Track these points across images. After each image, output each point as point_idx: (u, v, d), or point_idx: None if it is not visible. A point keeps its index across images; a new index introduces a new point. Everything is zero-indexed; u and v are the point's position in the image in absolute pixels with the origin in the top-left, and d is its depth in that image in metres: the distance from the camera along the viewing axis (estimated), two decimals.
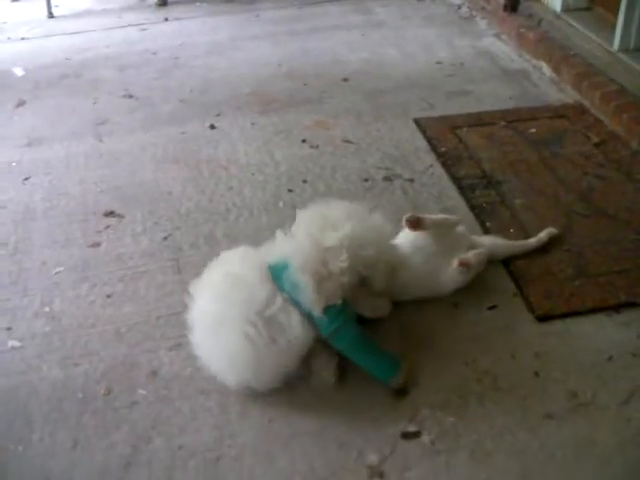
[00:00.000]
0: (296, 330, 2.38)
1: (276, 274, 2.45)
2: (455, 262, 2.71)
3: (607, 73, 4.31)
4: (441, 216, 2.97)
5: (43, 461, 2.31)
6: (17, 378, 2.61)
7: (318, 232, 2.48)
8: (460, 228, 2.92)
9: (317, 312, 2.37)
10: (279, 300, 2.39)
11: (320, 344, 2.48)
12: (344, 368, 2.54)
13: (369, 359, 2.48)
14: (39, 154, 4.12)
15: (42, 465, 2.30)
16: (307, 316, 2.40)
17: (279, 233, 2.60)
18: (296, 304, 2.40)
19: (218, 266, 2.58)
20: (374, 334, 2.56)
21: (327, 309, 2.38)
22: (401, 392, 2.47)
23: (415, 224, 2.72)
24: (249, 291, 2.41)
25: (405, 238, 2.81)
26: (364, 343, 2.48)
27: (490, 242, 3.00)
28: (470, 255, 2.76)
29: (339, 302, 2.40)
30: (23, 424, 2.44)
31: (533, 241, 3.04)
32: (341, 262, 2.40)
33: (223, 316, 2.41)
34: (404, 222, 2.72)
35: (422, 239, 2.77)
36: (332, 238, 2.44)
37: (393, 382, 2.46)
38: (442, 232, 2.80)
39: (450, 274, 2.74)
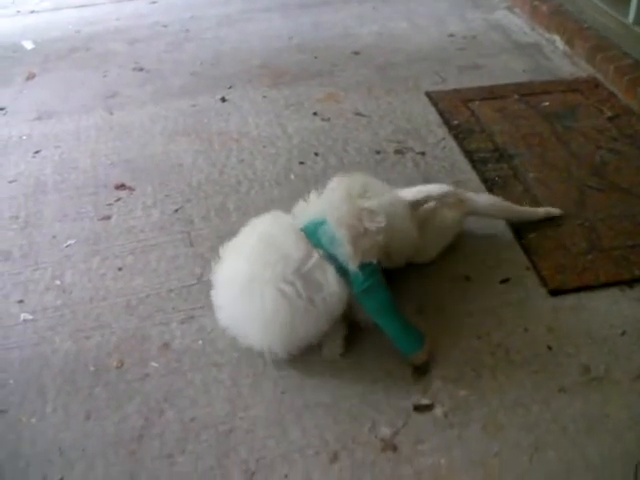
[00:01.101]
0: (332, 287, 2.36)
1: (311, 232, 2.44)
2: None
3: (621, 46, 4.27)
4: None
5: (56, 433, 2.32)
6: (30, 350, 2.62)
7: (356, 194, 2.49)
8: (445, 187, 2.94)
9: (353, 267, 2.36)
10: (315, 257, 2.38)
11: None
12: (357, 341, 2.54)
13: (396, 327, 2.47)
14: (49, 127, 4.11)
15: (55, 437, 2.30)
16: (342, 273, 2.38)
17: (313, 194, 2.60)
18: (332, 260, 2.38)
19: (250, 229, 2.56)
20: None
21: (362, 266, 2.37)
22: (421, 370, 2.45)
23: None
24: (283, 250, 2.38)
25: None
26: (393, 309, 2.47)
27: (485, 201, 3.00)
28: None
29: (374, 261, 2.40)
30: (36, 396, 2.44)
31: (540, 210, 3.05)
32: (378, 222, 2.41)
33: (257, 276, 2.37)
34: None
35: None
36: (371, 201, 2.45)
37: (415, 357, 2.45)
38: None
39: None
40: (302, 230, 2.46)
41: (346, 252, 2.36)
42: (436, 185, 2.97)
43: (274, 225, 2.52)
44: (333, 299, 2.37)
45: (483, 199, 3.00)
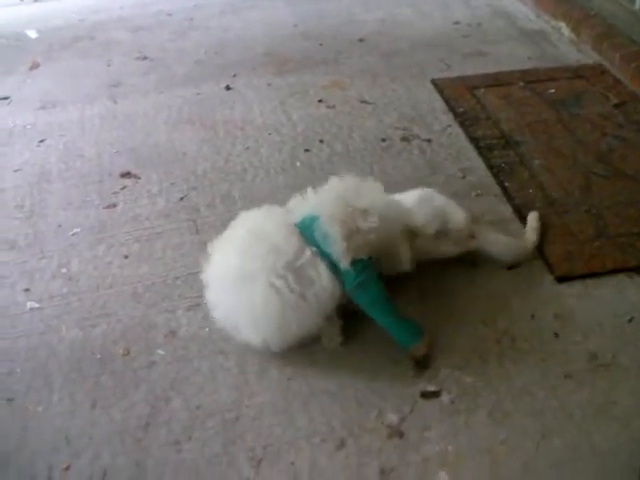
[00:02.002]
0: (324, 282, 2.35)
1: (305, 227, 2.42)
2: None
3: (628, 34, 4.26)
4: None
5: (63, 421, 2.32)
6: (36, 339, 2.62)
7: (351, 195, 2.47)
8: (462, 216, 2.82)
9: (344, 264, 2.35)
10: (308, 253, 2.36)
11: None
12: (363, 328, 2.53)
13: (391, 321, 2.45)
14: (53, 116, 4.12)
15: (62, 425, 2.30)
16: (334, 270, 2.37)
17: (310, 190, 2.58)
18: (324, 256, 2.37)
19: (240, 223, 2.54)
20: (394, 293, 2.54)
21: (354, 262, 2.35)
22: (421, 363, 2.44)
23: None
24: (275, 244, 2.37)
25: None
26: (387, 303, 2.45)
27: (496, 244, 2.82)
28: None
29: (366, 257, 2.38)
30: (43, 384, 2.44)
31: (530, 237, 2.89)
32: (371, 222, 2.39)
33: (247, 270, 2.37)
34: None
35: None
36: (364, 201, 2.43)
37: (415, 350, 2.43)
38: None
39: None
40: (296, 225, 2.44)
41: (338, 249, 2.35)
42: (457, 210, 2.80)
43: (265, 219, 2.50)
44: (325, 295, 2.37)
45: (494, 241, 2.81)
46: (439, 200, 2.78)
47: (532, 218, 2.95)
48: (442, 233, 2.71)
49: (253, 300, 2.34)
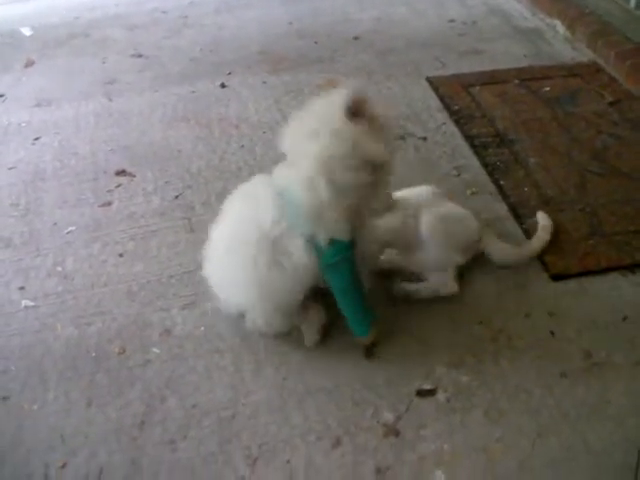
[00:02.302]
0: (300, 257, 2.32)
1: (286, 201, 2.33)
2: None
3: (623, 31, 4.27)
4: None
5: (58, 419, 2.31)
6: (31, 337, 2.62)
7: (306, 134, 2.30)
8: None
9: (323, 242, 2.30)
10: (283, 224, 2.31)
11: (306, 301, 2.49)
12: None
13: (353, 310, 2.45)
14: (48, 114, 4.11)
15: (57, 423, 2.30)
16: (311, 244, 2.32)
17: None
18: (295, 230, 2.32)
19: (238, 192, 2.54)
20: (388, 290, 2.55)
21: (333, 241, 2.30)
22: (369, 352, 2.47)
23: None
24: (257, 216, 2.34)
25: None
26: (356, 289, 2.43)
27: (497, 250, 2.82)
28: None
29: (346, 239, 2.32)
30: (38, 383, 2.44)
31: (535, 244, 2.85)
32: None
33: (234, 239, 2.40)
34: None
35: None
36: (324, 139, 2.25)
37: (364, 339, 2.46)
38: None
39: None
40: (279, 195, 2.34)
41: (311, 229, 2.30)
42: (471, 220, 2.81)
43: (257, 187, 2.45)
44: (300, 268, 2.34)
45: (497, 247, 2.81)
46: (454, 219, 2.77)
47: (542, 217, 2.93)
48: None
49: (236, 270, 2.38)
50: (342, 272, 2.38)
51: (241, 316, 2.53)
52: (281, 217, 2.31)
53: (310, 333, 2.51)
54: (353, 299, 2.45)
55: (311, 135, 2.25)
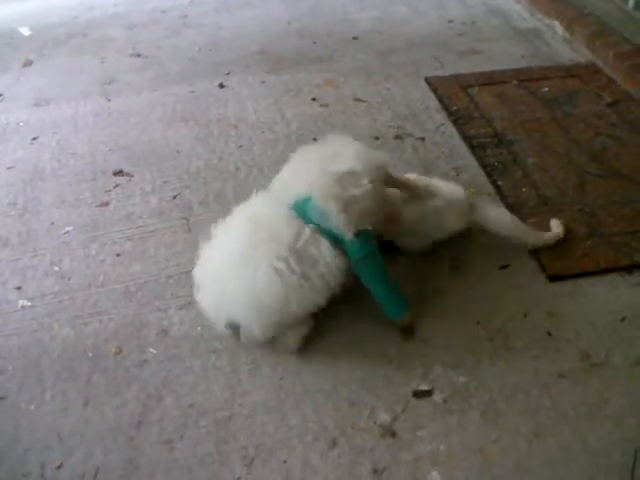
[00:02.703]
0: (328, 259, 2.34)
1: (300, 209, 2.40)
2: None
3: (621, 32, 4.26)
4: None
5: (55, 419, 2.31)
6: (28, 337, 2.61)
7: (327, 161, 2.45)
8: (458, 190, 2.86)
9: (348, 235, 2.34)
10: (307, 232, 2.35)
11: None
12: (355, 327, 2.54)
13: (387, 291, 2.49)
14: (47, 114, 4.11)
15: (54, 423, 2.30)
16: (337, 245, 2.37)
17: (286, 169, 2.58)
18: (326, 233, 2.36)
19: (237, 213, 2.54)
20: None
21: (358, 233, 2.36)
22: (408, 332, 2.50)
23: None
24: (275, 229, 2.36)
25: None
26: (386, 276, 2.48)
27: (496, 216, 2.84)
28: None
29: (369, 228, 2.39)
30: (35, 383, 2.44)
31: (548, 235, 2.86)
32: (363, 185, 2.39)
33: (249, 255, 2.36)
34: None
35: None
36: (344, 163, 2.43)
37: (404, 319, 2.49)
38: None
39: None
40: (292, 207, 2.42)
41: (339, 223, 2.34)
42: (454, 187, 2.87)
43: (263, 206, 2.49)
44: (330, 271, 2.36)
45: (495, 214, 2.84)
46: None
47: (555, 224, 2.90)
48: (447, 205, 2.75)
49: (254, 285, 2.33)
50: (372, 262, 2.43)
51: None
52: (301, 227, 2.36)
53: (289, 341, 2.48)
54: (386, 284, 2.49)
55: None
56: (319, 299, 2.41)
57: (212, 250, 2.50)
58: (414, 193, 2.72)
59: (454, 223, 2.76)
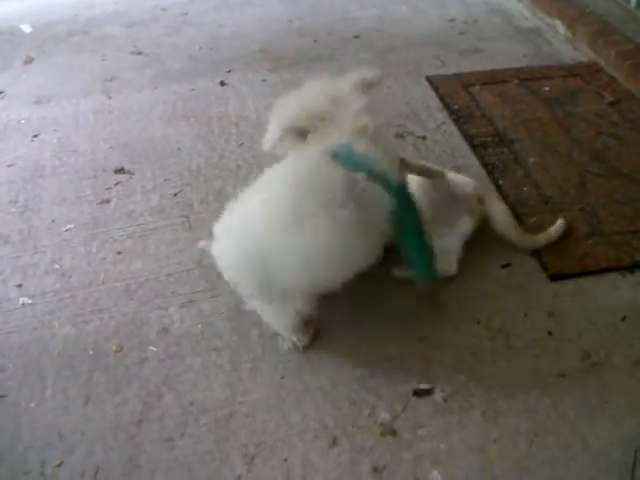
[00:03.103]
0: (385, 204, 2.24)
1: (343, 159, 2.23)
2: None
3: (623, 31, 4.26)
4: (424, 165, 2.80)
5: (55, 417, 2.31)
6: (29, 335, 2.61)
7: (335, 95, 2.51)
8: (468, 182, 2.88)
9: (397, 180, 2.28)
10: (360, 178, 2.20)
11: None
12: (356, 326, 2.54)
13: (422, 248, 2.43)
14: (48, 111, 4.10)
15: (54, 421, 2.30)
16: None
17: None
18: (375, 178, 2.23)
19: (273, 171, 2.40)
20: (390, 293, 2.54)
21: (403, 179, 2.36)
22: (436, 300, 2.59)
23: None
24: (324, 179, 2.20)
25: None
26: (424, 230, 2.41)
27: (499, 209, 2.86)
28: None
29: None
30: (35, 380, 2.44)
31: (542, 237, 2.85)
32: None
33: (302, 210, 2.17)
34: None
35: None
36: (356, 101, 2.43)
37: (430, 282, 2.52)
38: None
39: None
40: (336, 159, 2.24)
41: (388, 164, 2.26)
42: (465, 178, 2.90)
43: (300, 160, 2.33)
44: (387, 218, 2.26)
45: (502, 211, 2.85)
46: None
47: (559, 225, 2.88)
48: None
49: (314, 240, 2.16)
50: (413, 213, 2.38)
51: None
52: (352, 174, 2.20)
53: (296, 337, 2.47)
54: (424, 239, 2.41)
55: None
56: (378, 251, 2.32)
57: (243, 205, 2.33)
58: (431, 176, 2.71)
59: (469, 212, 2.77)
